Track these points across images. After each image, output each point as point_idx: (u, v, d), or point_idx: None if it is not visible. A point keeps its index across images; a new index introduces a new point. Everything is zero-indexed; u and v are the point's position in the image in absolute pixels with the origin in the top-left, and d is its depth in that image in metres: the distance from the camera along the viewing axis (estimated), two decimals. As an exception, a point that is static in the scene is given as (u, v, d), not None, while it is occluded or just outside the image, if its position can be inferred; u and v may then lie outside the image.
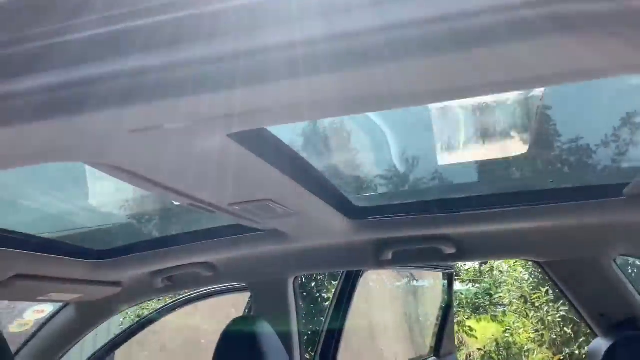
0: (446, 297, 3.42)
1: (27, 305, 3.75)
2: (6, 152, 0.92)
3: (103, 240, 1.99)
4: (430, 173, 1.83)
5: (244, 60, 0.69)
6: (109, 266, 2.02)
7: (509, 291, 9.03)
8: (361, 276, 2.55)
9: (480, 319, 10.50)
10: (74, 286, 2.01)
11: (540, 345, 8.51)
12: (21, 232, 1.71)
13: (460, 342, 10.35)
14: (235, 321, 1.84)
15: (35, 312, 3.55)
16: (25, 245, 1.71)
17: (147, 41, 0.68)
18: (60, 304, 2.44)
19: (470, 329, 9.93)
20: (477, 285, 10.66)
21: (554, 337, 8.14)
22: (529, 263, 8.95)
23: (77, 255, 1.92)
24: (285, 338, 2.05)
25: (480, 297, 10.52)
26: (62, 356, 2.48)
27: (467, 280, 10.75)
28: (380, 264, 2.03)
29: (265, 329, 1.83)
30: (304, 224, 1.73)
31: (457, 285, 10.80)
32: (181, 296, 3.15)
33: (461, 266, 10.85)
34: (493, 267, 10.15)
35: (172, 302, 3.20)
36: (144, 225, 2.04)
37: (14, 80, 0.72)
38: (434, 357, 3.29)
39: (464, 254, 1.93)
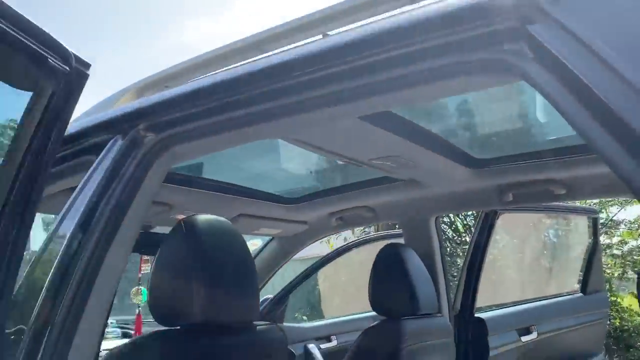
0: (593, 238, 3.64)
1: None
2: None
3: (296, 192, 2.75)
4: (540, 124, 2.21)
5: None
6: (298, 209, 2.78)
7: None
8: (498, 218, 2.98)
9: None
10: (275, 223, 2.82)
11: None
12: (240, 185, 2.52)
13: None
14: (388, 246, 2.43)
15: (251, 245, 4.58)
16: (243, 193, 2.52)
17: None
18: (266, 239, 3.32)
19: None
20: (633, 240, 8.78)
21: None
22: None
23: (277, 200, 2.71)
24: (430, 268, 2.57)
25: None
26: (267, 280, 3.38)
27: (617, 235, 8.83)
28: (503, 204, 2.50)
29: (414, 256, 2.35)
30: (430, 174, 2.28)
31: (608, 240, 8.85)
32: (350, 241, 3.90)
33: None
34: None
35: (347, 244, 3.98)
36: (323, 179, 2.75)
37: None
38: (581, 294, 3.58)
39: (574, 193, 2.31)
